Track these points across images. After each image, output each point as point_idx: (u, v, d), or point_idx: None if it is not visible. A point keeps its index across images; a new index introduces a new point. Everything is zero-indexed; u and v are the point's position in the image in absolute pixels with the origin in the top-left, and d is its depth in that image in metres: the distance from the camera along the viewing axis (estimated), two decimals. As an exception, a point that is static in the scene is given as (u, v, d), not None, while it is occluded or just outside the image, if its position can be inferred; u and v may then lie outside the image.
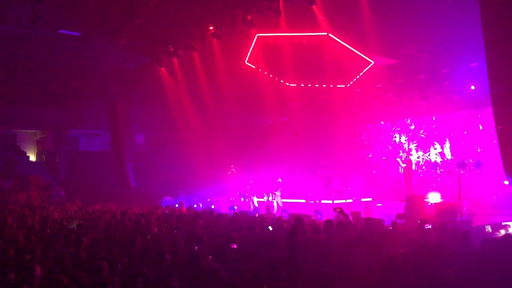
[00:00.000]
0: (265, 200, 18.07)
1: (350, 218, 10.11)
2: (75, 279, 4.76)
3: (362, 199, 16.49)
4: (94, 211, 14.28)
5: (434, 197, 15.25)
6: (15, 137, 26.73)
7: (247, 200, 18.68)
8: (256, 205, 18.00)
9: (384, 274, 4.80)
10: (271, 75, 18.48)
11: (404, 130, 19.56)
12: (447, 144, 17.96)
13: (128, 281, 4.78)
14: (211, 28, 16.10)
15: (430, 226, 8.22)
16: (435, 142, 18.29)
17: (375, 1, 13.78)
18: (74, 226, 10.44)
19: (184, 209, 15.16)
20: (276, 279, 4.90)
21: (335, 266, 5.29)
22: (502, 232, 9.80)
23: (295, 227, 6.43)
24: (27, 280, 5.03)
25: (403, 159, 16.31)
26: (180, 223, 10.37)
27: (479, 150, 16.95)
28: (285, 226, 9.08)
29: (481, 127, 16.98)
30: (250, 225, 8.97)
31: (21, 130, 26.80)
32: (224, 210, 16.04)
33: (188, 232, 8.25)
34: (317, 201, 16.58)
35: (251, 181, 18.95)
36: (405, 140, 19.39)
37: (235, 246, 6.76)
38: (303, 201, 17.41)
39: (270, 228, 8.56)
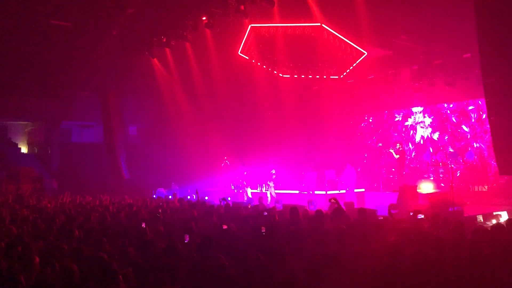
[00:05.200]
0: (259, 191, 18.09)
1: (344, 208, 10.14)
2: (65, 270, 4.73)
3: (355, 190, 16.54)
4: (86, 203, 14.23)
5: (426, 187, 15.34)
6: (6, 129, 26.52)
7: (240, 191, 18.69)
8: (250, 196, 18.01)
9: (377, 264, 4.82)
10: (264, 66, 18.41)
11: (397, 121, 19.62)
12: (440, 135, 18.04)
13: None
14: (204, 18, 15.96)
15: (422, 216, 8.26)
16: (428, 133, 18.36)
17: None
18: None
19: (176, 200, 15.13)
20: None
21: (328, 255, 5.31)
22: (493, 221, 9.87)
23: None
24: (26, 270, 5.01)
25: (396, 149, 16.36)
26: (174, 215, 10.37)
27: (469, 139, 17.04)
28: (277, 217, 9.10)
29: (473, 118, 17.07)
30: (243, 216, 8.99)
31: (12, 122, 26.59)
32: (217, 201, 16.03)
33: (182, 225, 8.27)
34: (311, 192, 16.62)
35: (245, 173, 18.95)
36: (398, 131, 19.46)
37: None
38: (297, 192, 17.44)
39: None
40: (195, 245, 6.41)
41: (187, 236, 6.96)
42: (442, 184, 16.13)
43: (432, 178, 16.98)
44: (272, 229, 7.02)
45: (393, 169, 18.17)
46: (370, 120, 20.85)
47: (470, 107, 17.12)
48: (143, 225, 7.81)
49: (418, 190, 14.11)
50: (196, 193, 14.30)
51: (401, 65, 17.36)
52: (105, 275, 4.61)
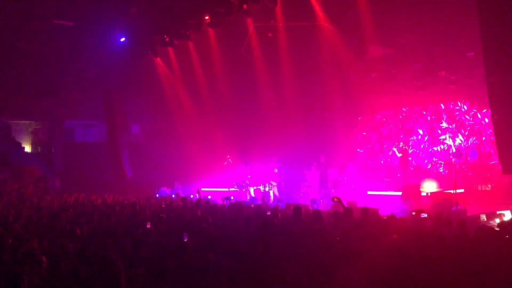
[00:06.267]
0: (262, 190, 18.10)
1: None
2: (73, 271, 4.75)
3: (358, 189, 16.53)
4: (89, 202, 14.27)
5: (430, 187, 15.32)
6: (10, 128, 26.63)
7: (243, 190, 18.71)
8: (253, 195, 18.03)
9: (380, 263, 4.83)
10: (267, 65, 18.41)
11: (399, 120, 19.58)
12: (443, 134, 18.00)
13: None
14: (206, 17, 15.99)
15: (425, 215, 8.27)
16: (430, 132, 18.32)
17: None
18: None
19: (179, 199, 15.15)
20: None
21: (335, 254, 5.32)
22: (497, 220, 9.87)
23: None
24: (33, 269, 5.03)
25: (399, 148, 16.34)
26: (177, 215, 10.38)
27: (473, 139, 17.00)
28: (279, 215, 9.11)
29: (477, 117, 17.03)
30: (246, 215, 9.01)
31: (16, 121, 26.69)
32: (220, 200, 16.05)
33: (187, 223, 8.28)
34: (313, 191, 16.63)
35: (248, 171, 18.96)
36: (401, 130, 19.42)
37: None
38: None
39: None
40: (196, 244, 6.42)
41: (186, 235, 6.94)
42: (446, 183, 16.09)
43: (435, 177, 16.95)
44: (270, 229, 7.03)
45: (394, 167, 18.13)
46: (360, 120, 20.85)
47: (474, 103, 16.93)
48: (148, 225, 7.81)
49: (421, 189, 14.10)
50: (198, 193, 14.33)
51: (404, 64, 17.33)
52: (110, 275, 4.63)
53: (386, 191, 16.20)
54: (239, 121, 22.52)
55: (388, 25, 14.62)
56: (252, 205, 12.37)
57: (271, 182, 17.80)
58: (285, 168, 18.93)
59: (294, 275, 4.69)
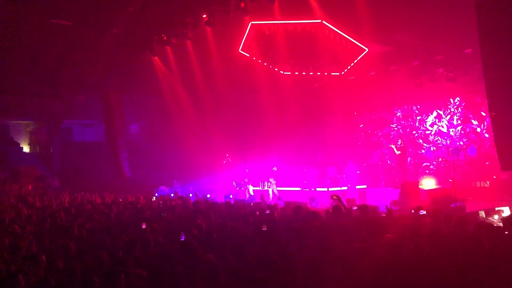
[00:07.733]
0: (261, 189, 18.10)
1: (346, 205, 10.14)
2: (69, 270, 4.75)
3: (357, 186, 16.55)
4: (88, 202, 14.24)
5: (428, 183, 15.34)
6: (8, 128, 26.58)
7: (242, 188, 18.71)
8: (252, 193, 18.03)
9: (379, 260, 4.84)
10: (265, 63, 18.41)
11: (397, 117, 19.58)
12: (441, 130, 18.01)
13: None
14: (204, 16, 15.95)
15: (424, 212, 8.27)
16: (429, 128, 18.33)
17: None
18: None
19: (177, 198, 15.13)
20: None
21: (329, 252, 5.32)
22: (496, 217, 9.89)
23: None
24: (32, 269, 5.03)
25: (397, 145, 16.35)
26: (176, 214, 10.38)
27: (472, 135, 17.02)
28: (276, 214, 9.12)
29: (476, 114, 17.04)
30: (245, 214, 9.01)
31: (14, 121, 26.64)
32: (220, 199, 16.05)
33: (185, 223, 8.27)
34: (312, 189, 16.64)
35: (247, 170, 18.97)
36: (399, 127, 19.42)
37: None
38: (299, 189, 17.46)
39: None
40: (193, 243, 6.41)
41: (183, 234, 6.93)
42: (444, 180, 16.12)
43: (434, 173, 16.97)
44: (273, 227, 7.03)
45: (392, 164, 18.15)
46: (358, 118, 20.85)
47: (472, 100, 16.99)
48: (143, 225, 7.80)
49: (420, 186, 14.12)
50: (195, 195, 14.32)
51: (402, 61, 17.34)
52: (109, 274, 4.62)
53: (385, 188, 16.23)
54: (238, 119, 22.52)
55: (386, 23, 14.60)
56: (251, 204, 12.36)
57: (270, 180, 17.80)
58: (284, 166, 18.94)
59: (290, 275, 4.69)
